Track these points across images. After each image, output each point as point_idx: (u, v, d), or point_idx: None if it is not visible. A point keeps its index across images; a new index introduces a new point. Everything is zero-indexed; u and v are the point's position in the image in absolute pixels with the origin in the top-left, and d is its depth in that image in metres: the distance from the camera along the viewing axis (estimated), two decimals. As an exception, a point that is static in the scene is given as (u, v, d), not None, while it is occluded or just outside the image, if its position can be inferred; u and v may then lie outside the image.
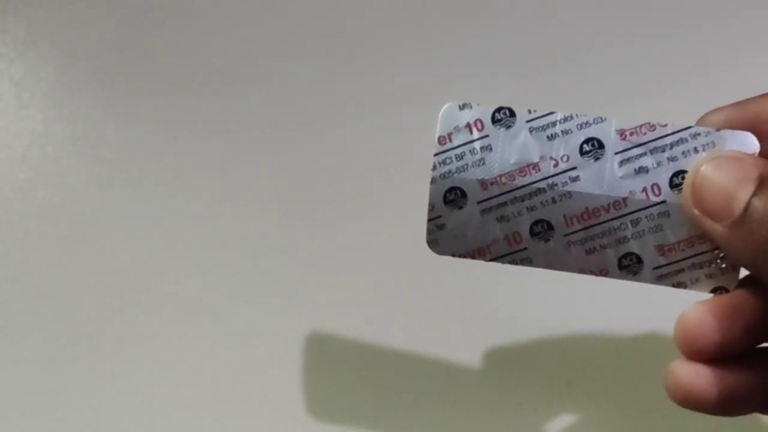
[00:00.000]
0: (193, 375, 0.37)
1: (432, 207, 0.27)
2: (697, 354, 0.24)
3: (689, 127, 0.25)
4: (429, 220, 0.27)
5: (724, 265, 0.25)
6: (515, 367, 0.36)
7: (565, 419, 0.35)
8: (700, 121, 0.25)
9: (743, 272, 0.25)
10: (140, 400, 0.36)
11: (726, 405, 0.24)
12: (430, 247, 0.27)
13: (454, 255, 0.27)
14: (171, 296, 0.38)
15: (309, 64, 0.41)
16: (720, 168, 0.23)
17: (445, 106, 0.27)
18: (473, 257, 0.27)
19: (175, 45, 0.42)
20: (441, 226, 0.27)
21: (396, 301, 0.37)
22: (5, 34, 0.43)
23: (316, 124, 0.40)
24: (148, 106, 0.41)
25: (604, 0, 0.41)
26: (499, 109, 0.26)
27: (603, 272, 0.26)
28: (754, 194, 0.22)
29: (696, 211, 0.23)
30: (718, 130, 0.24)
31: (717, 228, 0.23)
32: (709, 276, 0.25)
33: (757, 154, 0.24)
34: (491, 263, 0.27)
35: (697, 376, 0.24)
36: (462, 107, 0.27)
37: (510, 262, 0.26)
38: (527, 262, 0.26)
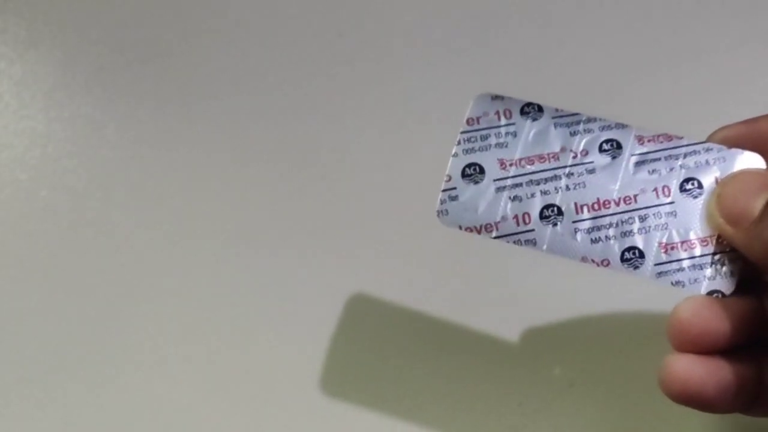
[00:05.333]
0: (197, 375, 0.36)
1: (449, 178, 0.28)
2: (691, 344, 0.24)
3: (703, 142, 0.27)
4: (443, 191, 0.28)
5: (725, 269, 0.25)
6: (516, 366, 0.35)
7: (566, 420, 0.34)
8: (710, 137, 0.27)
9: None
10: (143, 400, 0.35)
11: (721, 398, 0.24)
12: (439, 218, 0.27)
13: (461, 228, 0.27)
14: (173, 296, 0.37)
15: (313, 66, 0.42)
16: (744, 180, 0.25)
17: (479, 94, 0.29)
18: (479, 232, 0.27)
19: (177, 45, 0.42)
20: (454, 198, 0.27)
21: (395, 301, 0.36)
22: (6, 34, 0.43)
23: (319, 124, 0.40)
24: (149, 106, 0.41)
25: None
26: (528, 104, 0.28)
27: (605, 263, 0.26)
28: None
29: (720, 220, 0.25)
30: (730, 147, 0.26)
31: (737, 232, 0.24)
32: (708, 278, 0.25)
33: None
34: (496, 241, 0.27)
35: (693, 367, 0.24)
36: (494, 98, 0.28)
37: (515, 242, 0.27)
38: (532, 243, 0.27)
